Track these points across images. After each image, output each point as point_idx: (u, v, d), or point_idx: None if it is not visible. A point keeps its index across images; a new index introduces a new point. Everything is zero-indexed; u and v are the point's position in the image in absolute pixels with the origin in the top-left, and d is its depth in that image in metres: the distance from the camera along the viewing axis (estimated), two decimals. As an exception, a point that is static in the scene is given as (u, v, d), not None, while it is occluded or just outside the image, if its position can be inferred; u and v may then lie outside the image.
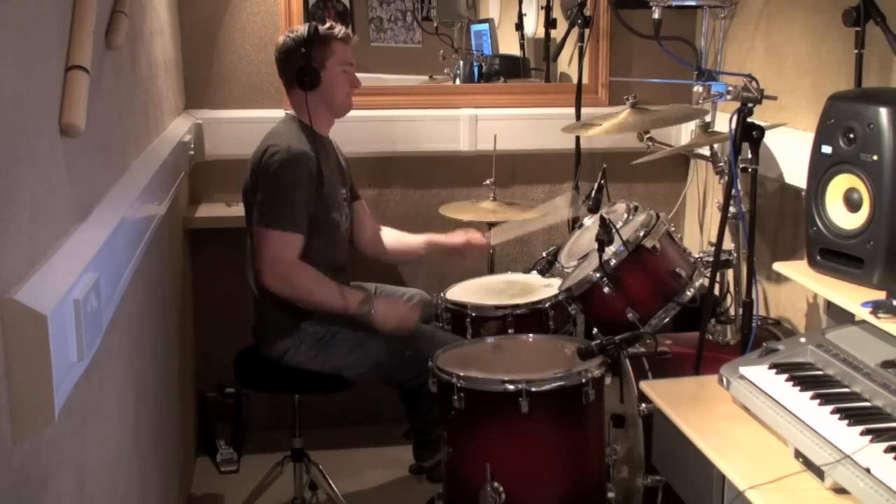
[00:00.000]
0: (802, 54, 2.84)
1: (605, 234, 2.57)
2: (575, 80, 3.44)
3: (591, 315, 2.83)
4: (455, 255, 3.15)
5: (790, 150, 2.82)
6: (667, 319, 2.66)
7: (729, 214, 2.56)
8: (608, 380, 2.48)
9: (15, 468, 1.20)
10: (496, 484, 2.36)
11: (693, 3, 3.24)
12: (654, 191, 3.76)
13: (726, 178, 2.55)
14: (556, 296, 2.92)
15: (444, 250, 3.14)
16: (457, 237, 3.14)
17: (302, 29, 2.78)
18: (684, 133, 3.49)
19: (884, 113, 1.92)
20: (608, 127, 2.88)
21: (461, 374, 2.41)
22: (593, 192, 2.88)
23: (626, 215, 2.81)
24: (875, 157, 1.92)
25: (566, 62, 3.86)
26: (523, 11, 4.49)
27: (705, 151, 3.00)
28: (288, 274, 2.67)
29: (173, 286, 2.95)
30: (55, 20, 1.51)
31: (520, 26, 4.49)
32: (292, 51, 2.76)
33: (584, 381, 2.39)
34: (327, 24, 2.80)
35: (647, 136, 3.14)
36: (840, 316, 2.09)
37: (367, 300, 2.75)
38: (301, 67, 2.72)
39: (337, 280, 2.80)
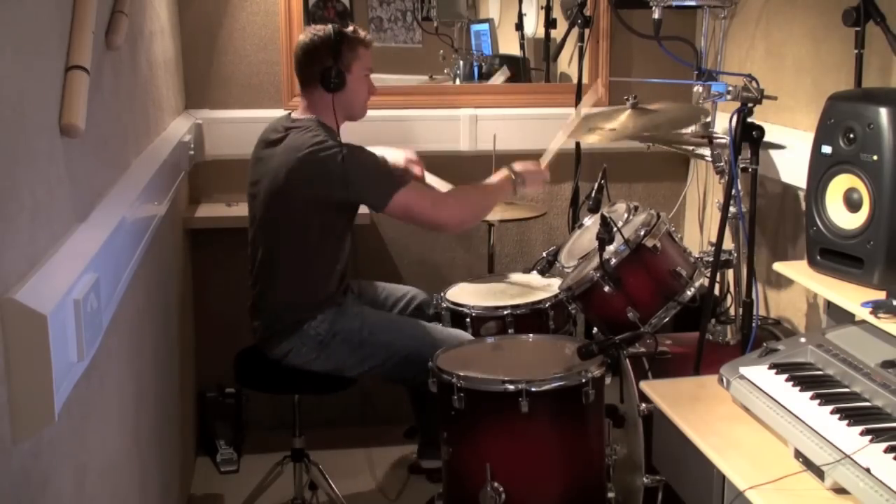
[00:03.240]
0: (802, 54, 2.84)
1: (606, 232, 2.57)
2: (575, 80, 3.44)
3: (591, 315, 2.83)
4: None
5: (790, 150, 2.82)
6: (667, 319, 2.66)
7: (729, 214, 2.56)
8: (608, 380, 2.48)
9: (15, 468, 1.20)
10: (496, 484, 2.36)
11: (693, 3, 3.24)
12: (654, 191, 3.77)
13: (726, 178, 2.55)
14: (556, 296, 2.92)
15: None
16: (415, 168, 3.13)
17: (327, 29, 2.72)
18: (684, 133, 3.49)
19: (884, 113, 1.92)
20: (610, 135, 2.85)
21: (461, 374, 2.41)
22: (593, 192, 2.88)
23: (626, 215, 2.81)
24: (875, 157, 1.93)
25: (566, 62, 3.86)
26: (523, 11, 4.48)
27: (705, 151, 3.00)
28: (455, 203, 2.79)
29: (173, 286, 2.95)
30: (55, 20, 1.51)
31: (520, 26, 4.48)
32: (318, 50, 2.71)
33: (584, 381, 2.39)
34: (350, 28, 2.76)
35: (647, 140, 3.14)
36: (840, 316, 2.09)
37: (510, 182, 2.86)
38: (327, 68, 2.69)
39: (343, 274, 2.82)
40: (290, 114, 2.86)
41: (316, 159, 2.63)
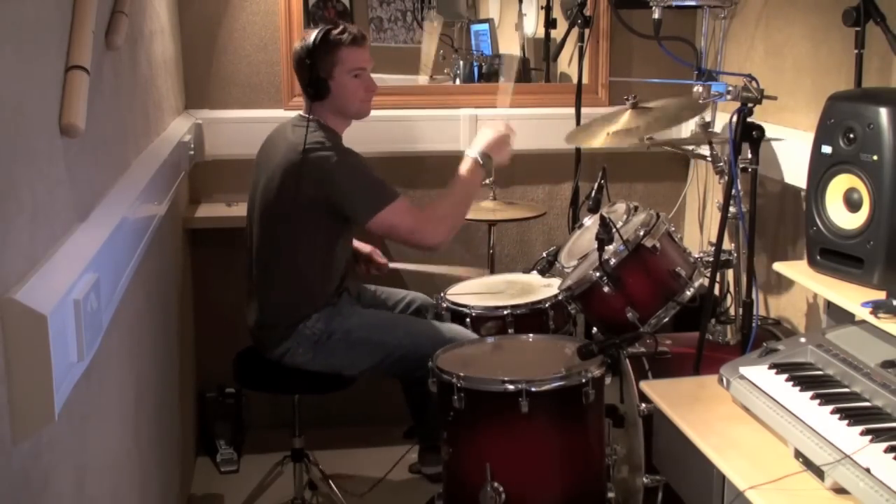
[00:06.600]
0: (802, 54, 2.84)
1: (606, 233, 2.57)
2: (575, 80, 3.44)
3: (590, 315, 2.83)
4: (357, 260, 3.11)
5: (790, 150, 2.82)
6: (666, 319, 2.66)
7: (729, 214, 2.56)
8: (608, 380, 2.48)
9: (15, 468, 1.20)
10: (496, 484, 2.36)
11: (693, 3, 3.24)
12: (654, 191, 3.76)
13: (726, 178, 2.54)
14: (556, 296, 2.92)
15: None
16: (365, 246, 3.12)
17: (310, 37, 2.72)
18: (684, 133, 3.49)
19: (884, 113, 1.92)
20: (611, 139, 2.84)
21: (461, 374, 2.41)
22: (593, 192, 2.88)
23: (626, 215, 2.81)
24: (875, 157, 1.93)
25: (566, 62, 3.86)
26: (523, 11, 4.49)
27: (705, 151, 3.00)
28: (436, 223, 2.73)
29: (173, 286, 2.95)
30: (55, 20, 1.51)
31: (520, 26, 4.49)
32: (299, 60, 2.73)
33: (584, 381, 2.39)
34: (339, 29, 2.73)
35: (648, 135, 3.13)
36: (840, 316, 2.09)
37: (477, 167, 2.80)
38: (308, 78, 2.71)
39: (341, 277, 2.82)
40: (300, 113, 2.83)
41: (309, 159, 2.64)
